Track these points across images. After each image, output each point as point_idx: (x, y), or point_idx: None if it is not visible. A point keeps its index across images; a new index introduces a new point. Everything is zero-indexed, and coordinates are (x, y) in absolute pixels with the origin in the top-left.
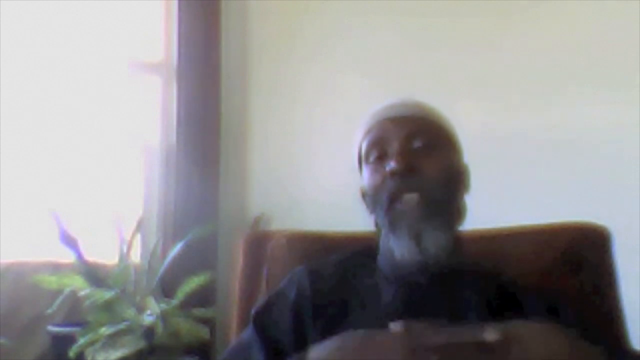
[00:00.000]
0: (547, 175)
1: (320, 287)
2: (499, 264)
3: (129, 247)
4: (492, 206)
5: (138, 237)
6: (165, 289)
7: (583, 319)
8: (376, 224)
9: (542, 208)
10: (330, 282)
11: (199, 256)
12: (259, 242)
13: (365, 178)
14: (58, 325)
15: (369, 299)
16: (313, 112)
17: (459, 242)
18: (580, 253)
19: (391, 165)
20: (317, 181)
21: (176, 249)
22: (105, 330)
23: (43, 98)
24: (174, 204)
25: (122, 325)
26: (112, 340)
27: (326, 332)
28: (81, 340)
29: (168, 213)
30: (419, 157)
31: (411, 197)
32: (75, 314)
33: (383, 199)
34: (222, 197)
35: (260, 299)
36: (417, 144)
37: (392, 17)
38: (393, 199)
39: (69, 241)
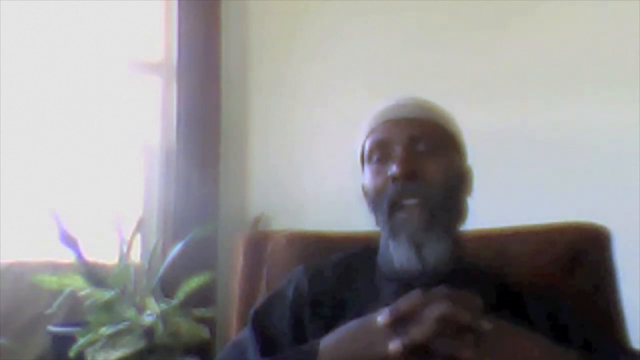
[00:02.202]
0: (548, 175)
1: (319, 288)
2: (500, 264)
3: (129, 247)
4: (492, 206)
5: (138, 237)
6: (165, 289)
7: (583, 319)
8: (376, 223)
9: (542, 208)
10: (329, 282)
11: (199, 256)
12: (259, 242)
13: (366, 178)
14: (58, 325)
15: (368, 299)
16: (313, 112)
17: (460, 244)
18: (580, 253)
19: (393, 169)
20: (317, 181)
21: (176, 249)
22: (105, 330)
23: (43, 98)
24: (174, 204)
25: (122, 325)
26: (112, 340)
27: (325, 333)
28: (81, 340)
29: (168, 213)
30: (421, 162)
31: (412, 203)
32: (75, 314)
33: (384, 203)
34: (222, 197)
35: (259, 299)
36: (420, 147)
37: (392, 17)
38: (394, 204)
39: (69, 241)
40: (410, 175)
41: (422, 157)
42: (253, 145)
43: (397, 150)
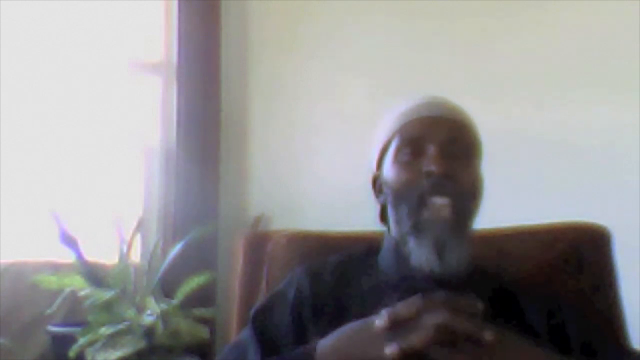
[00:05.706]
0: (548, 175)
1: (320, 288)
2: (500, 264)
3: (129, 247)
4: (492, 206)
5: (138, 237)
6: (165, 289)
7: (583, 319)
8: (381, 216)
9: (543, 208)
10: (330, 284)
11: (199, 256)
12: (259, 242)
13: (391, 172)
14: (58, 325)
15: (368, 301)
16: (313, 112)
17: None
18: (580, 253)
19: (431, 167)
20: (317, 181)
21: (176, 249)
22: (105, 330)
23: (43, 98)
24: (174, 204)
25: (122, 325)
26: (112, 340)
27: (325, 333)
28: (81, 340)
29: (168, 213)
30: (455, 163)
31: (442, 202)
32: (75, 314)
33: (412, 197)
34: (222, 197)
35: (259, 300)
36: (454, 149)
37: (392, 16)
38: (423, 199)
39: (69, 241)
40: (446, 175)
41: (456, 159)
42: (253, 145)
43: (434, 148)
